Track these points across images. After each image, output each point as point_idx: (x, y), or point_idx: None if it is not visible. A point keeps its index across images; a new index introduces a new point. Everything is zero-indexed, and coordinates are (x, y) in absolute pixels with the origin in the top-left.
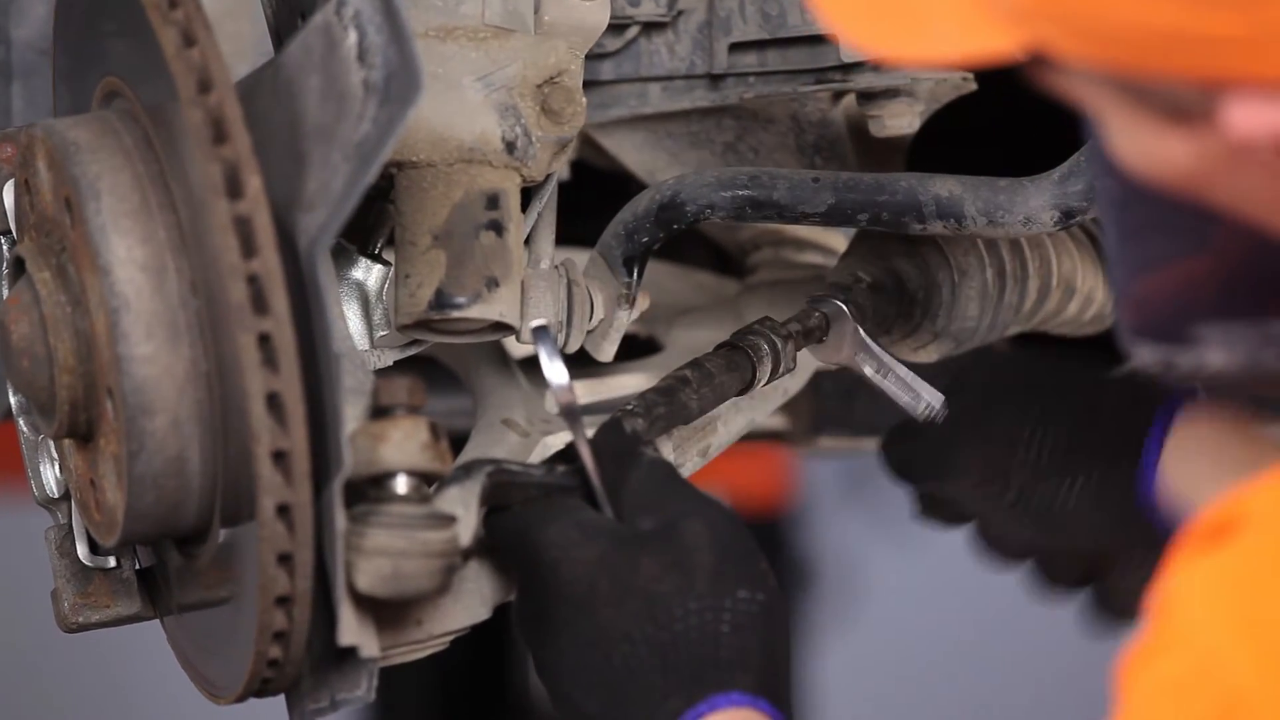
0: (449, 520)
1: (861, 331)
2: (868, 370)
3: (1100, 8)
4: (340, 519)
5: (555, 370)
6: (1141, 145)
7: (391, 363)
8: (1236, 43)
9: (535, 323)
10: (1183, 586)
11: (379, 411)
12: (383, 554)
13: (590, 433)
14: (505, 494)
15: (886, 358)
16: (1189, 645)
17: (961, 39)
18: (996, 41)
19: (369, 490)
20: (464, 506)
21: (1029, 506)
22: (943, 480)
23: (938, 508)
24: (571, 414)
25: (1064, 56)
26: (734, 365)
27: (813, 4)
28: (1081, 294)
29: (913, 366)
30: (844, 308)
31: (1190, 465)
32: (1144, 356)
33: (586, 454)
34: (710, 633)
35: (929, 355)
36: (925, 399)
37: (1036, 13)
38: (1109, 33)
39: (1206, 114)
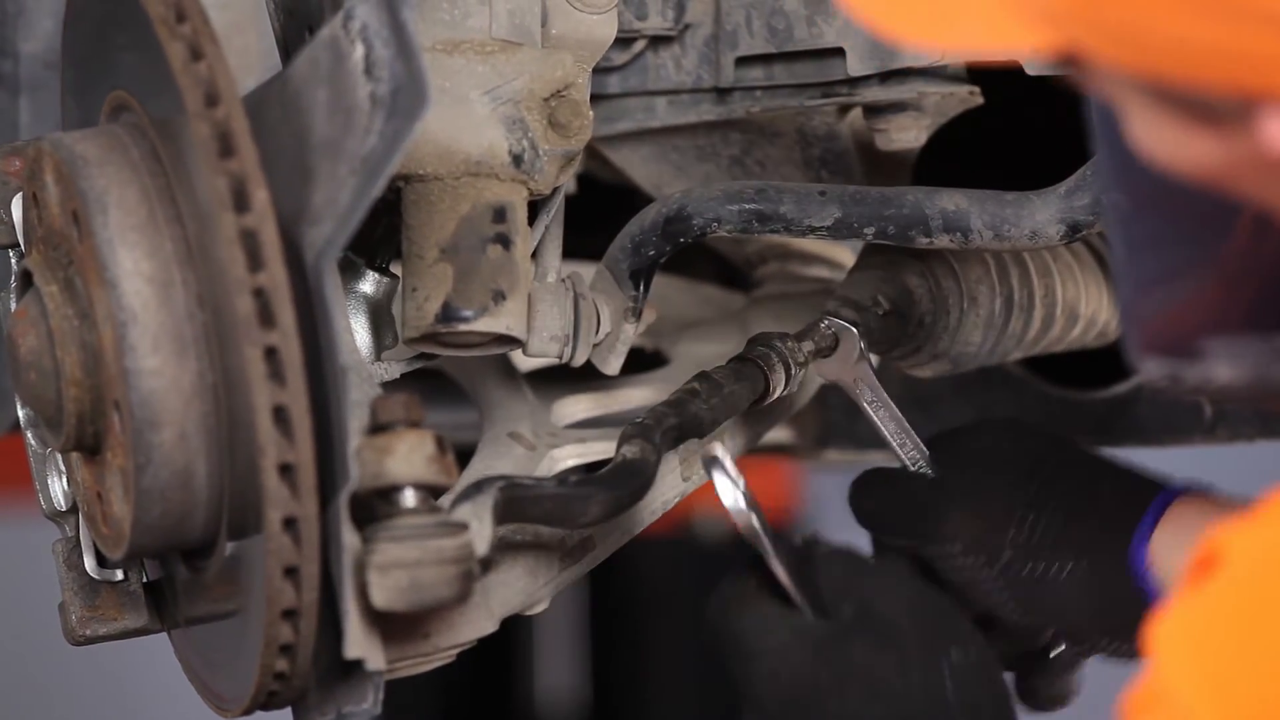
0: (461, 527)
1: (869, 361)
2: (865, 398)
3: (1140, 19)
4: (347, 532)
5: (730, 493)
6: (1168, 141)
7: (398, 375)
8: (1278, 60)
9: (714, 450)
10: (1163, 634)
11: (377, 429)
12: (397, 566)
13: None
14: (519, 509)
15: (883, 394)
16: (1167, 702)
17: (989, 36)
18: (1024, 40)
19: (376, 503)
20: (477, 520)
21: (1013, 583)
22: (923, 542)
23: (894, 554)
24: (755, 537)
25: (1095, 60)
26: (745, 377)
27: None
28: (1084, 319)
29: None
30: (854, 330)
31: (1180, 556)
32: (1150, 370)
33: (781, 572)
34: (937, 697)
35: (923, 373)
36: (913, 446)
37: (1071, 17)
38: (1146, 42)
39: (1238, 119)
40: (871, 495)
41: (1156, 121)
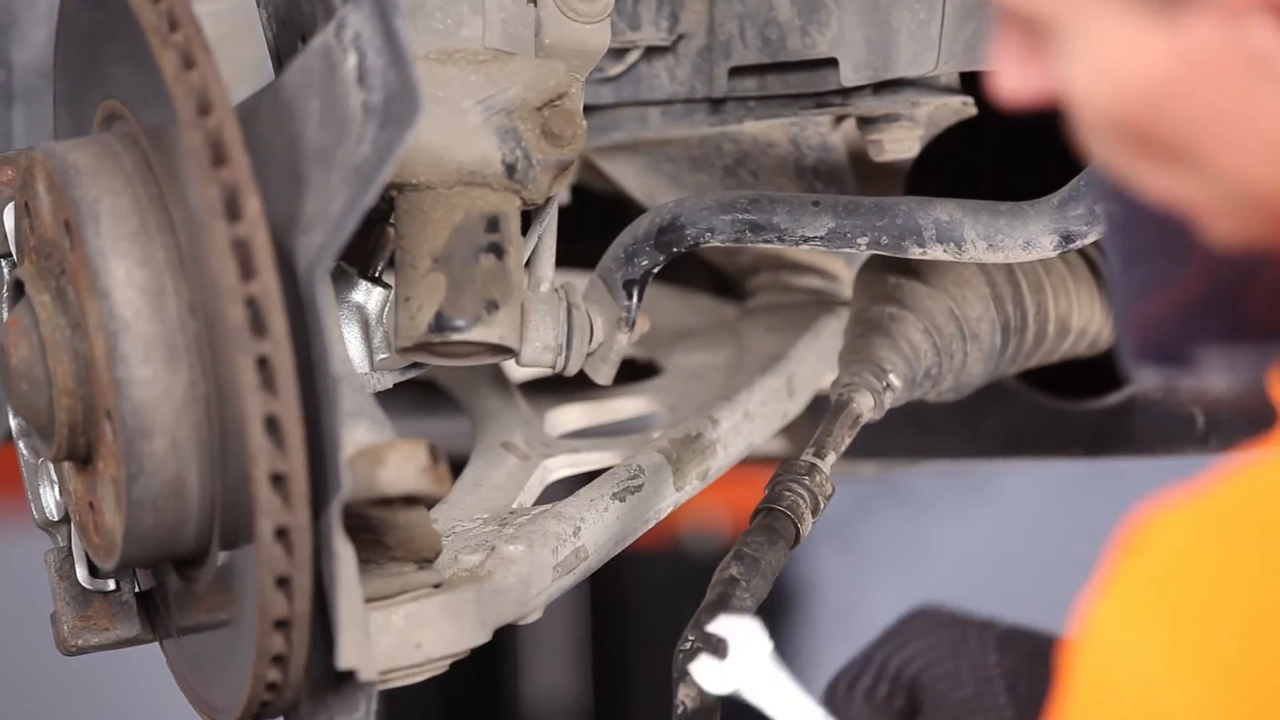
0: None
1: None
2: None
3: None
4: (339, 542)
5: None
6: (1117, 49)
7: (391, 385)
8: None
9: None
10: (1105, 615)
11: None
12: None
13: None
14: None
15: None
16: (1124, 679)
17: None
18: None
19: (368, 513)
20: None
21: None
22: None
23: None
24: None
25: None
26: (779, 535)
27: None
28: (1076, 331)
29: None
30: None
31: None
32: (1146, 379)
33: None
34: None
35: (928, 399)
36: None
37: None
38: None
39: (1195, 3)
40: None
41: (1111, 24)
